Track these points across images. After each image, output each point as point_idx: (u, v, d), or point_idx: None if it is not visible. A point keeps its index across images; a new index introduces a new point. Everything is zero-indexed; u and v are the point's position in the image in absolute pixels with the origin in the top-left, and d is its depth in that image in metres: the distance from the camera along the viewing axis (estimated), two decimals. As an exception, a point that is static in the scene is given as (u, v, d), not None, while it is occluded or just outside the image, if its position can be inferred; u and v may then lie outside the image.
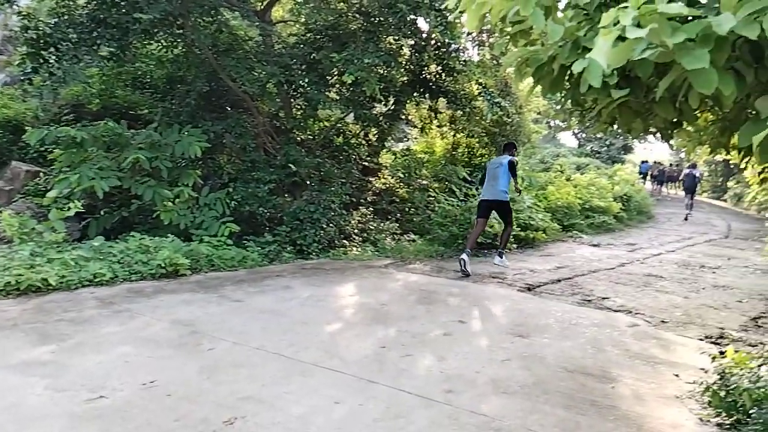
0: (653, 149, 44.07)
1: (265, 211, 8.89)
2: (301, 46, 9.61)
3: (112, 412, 3.27)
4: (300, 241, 8.70)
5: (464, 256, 7.96)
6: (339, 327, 5.26)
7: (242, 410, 3.36)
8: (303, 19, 10.12)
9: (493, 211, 8.85)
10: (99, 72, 10.00)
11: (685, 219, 19.74)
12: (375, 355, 4.47)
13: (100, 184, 7.42)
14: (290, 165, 9.20)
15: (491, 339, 5.09)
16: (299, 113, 10.09)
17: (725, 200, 30.10)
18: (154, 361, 4.09)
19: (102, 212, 8.18)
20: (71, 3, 8.46)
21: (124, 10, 8.01)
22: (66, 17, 8.24)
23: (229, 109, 9.75)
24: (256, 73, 9.07)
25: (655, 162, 34.49)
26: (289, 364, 4.16)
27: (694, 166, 22.26)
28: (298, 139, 10.13)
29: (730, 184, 29.82)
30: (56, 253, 6.38)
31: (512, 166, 8.55)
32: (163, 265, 6.75)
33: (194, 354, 4.30)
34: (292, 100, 10.08)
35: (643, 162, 33.78)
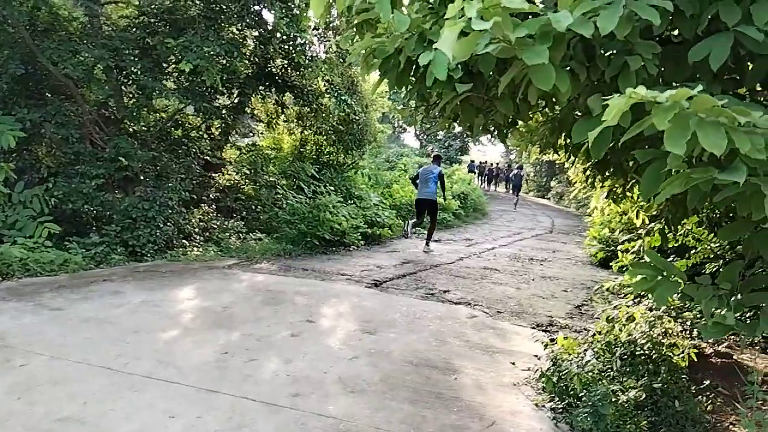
0: (486, 151, 48.35)
1: (92, 209, 8.06)
2: (134, 29, 8.80)
3: None
4: (132, 241, 8.01)
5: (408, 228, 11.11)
6: (176, 334, 4.86)
7: (57, 435, 2.94)
8: (136, 2, 9.33)
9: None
10: None
11: (515, 209, 23.89)
12: (216, 362, 4.18)
13: None
14: (121, 158, 8.40)
15: (339, 337, 5.03)
16: (131, 102, 9.25)
17: (548, 198, 33.17)
18: (-53, 385, 3.48)
19: None
20: None
21: None
22: None
23: (49, 95, 8.67)
24: (81, 57, 8.18)
25: (481, 162, 37.91)
26: (117, 378, 3.75)
27: (520, 167, 25.51)
28: (131, 130, 9.29)
29: (552, 183, 32.93)
30: None
31: (442, 178, 10.79)
32: (-37, 271, 5.86)
33: (3, 371, 3.73)
34: (123, 87, 9.23)
35: (471, 162, 36.84)
